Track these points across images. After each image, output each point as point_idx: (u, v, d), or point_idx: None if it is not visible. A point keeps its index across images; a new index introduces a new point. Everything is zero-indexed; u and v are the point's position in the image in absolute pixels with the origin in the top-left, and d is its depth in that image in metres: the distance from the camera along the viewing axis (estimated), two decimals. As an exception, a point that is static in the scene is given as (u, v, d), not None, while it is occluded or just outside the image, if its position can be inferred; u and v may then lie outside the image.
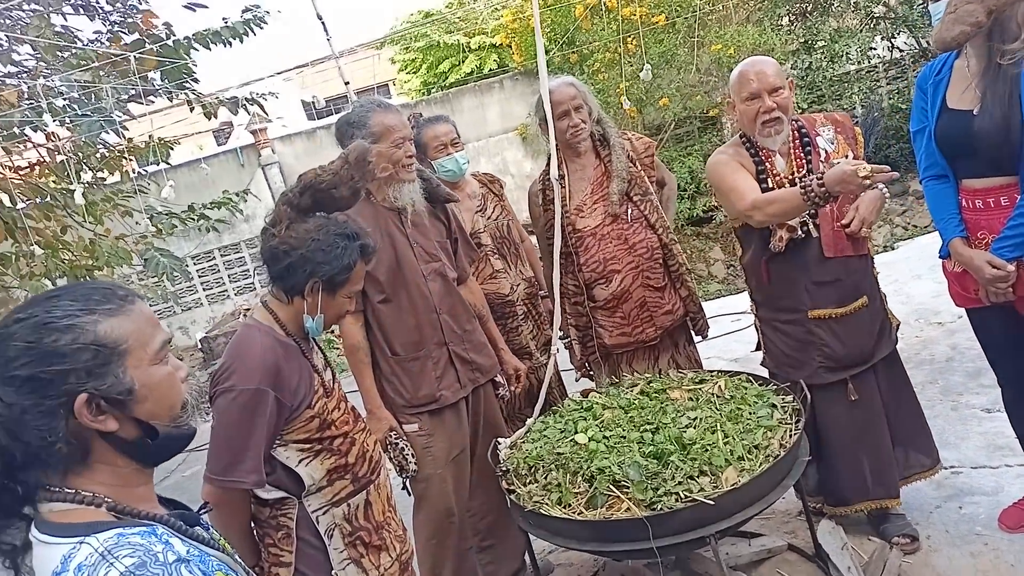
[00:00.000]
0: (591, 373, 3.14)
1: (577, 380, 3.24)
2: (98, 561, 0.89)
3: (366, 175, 1.91)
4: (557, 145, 2.82)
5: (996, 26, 2.10)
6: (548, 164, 2.94)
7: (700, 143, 11.30)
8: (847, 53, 10.92)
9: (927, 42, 10.87)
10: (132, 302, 1.03)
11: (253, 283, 13.24)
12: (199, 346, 11.12)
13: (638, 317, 2.89)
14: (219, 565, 0.99)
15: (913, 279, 5.79)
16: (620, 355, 2.98)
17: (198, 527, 1.04)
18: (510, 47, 13.46)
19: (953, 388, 3.84)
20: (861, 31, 11.18)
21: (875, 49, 11.50)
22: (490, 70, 14.89)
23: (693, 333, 3.07)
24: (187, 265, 12.02)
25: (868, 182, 2.02)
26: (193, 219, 7.38)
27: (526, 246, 3.43)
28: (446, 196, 2.77)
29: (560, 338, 3.07)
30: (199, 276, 12.85)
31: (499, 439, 2.57)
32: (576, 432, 2.37)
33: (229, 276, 13.33)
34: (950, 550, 2.60)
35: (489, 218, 3.26)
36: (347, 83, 7.90)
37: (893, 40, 11.51)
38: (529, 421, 2.69)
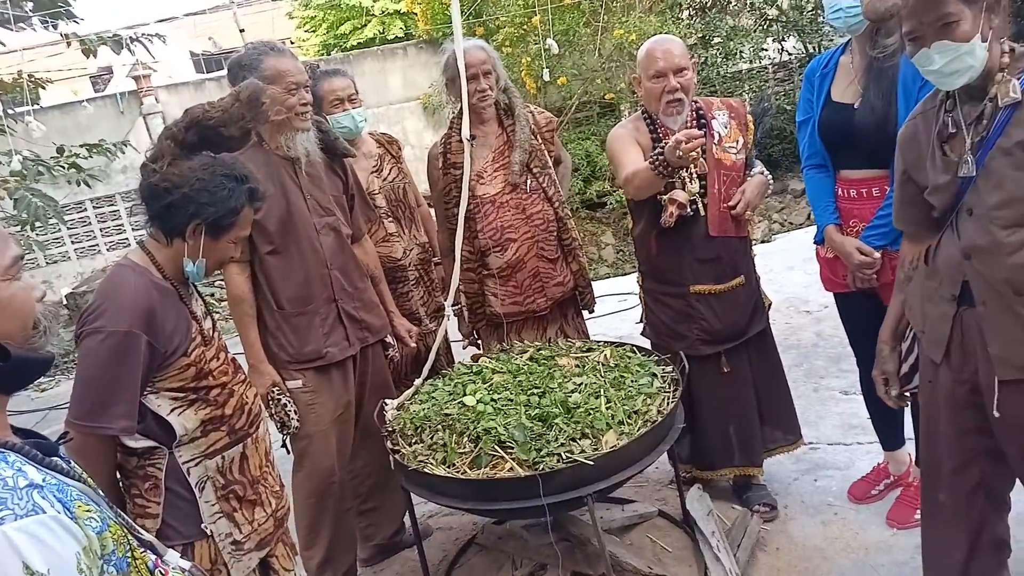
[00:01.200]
0: (479, 341, 3.16)
1: (464, 348, 3.25)
2: None
3: (258, 116, 1.82)
4: (460, 109, 2.79)
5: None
6: (450, 127, 2.91)
7: (598, 127, 11.50)
8: (741, 51, 11.35)
9: (814, 47, 11.48)
10: None
11: (128, 238, 12.48)
12: (64, 302, 10.40)
13: (530, 287, 2.93)
14: (79, 495, 0.93)
15: (786, 270, 6.14)
16: (510, 324, 3.01)
17: (56, 458, 0.97)
18: (415, 14, 13.19)
19: (816, 372, 4.12)
20: (755, 31, 11.66)
21: (766, 50, 12.01)
22: (394, 37, 14.56)
23: (581, 307, 3.13)
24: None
25: (692, 157, 2.18)
26: (63, 167, 6.82)
27: (422, 211, 3.39)
28: (344, 150, 2.69)
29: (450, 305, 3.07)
30: (68, 228, 11.96)
31: (386, 400, 2.55)
32: (464, 395, 2.38)
33: (101, 230, 12.51)
34: (804, 519, 2.80)
35: (385, 179, 3.20)
36: (242, 30, 7.52)
37: (783, 43, 12.08)
38: (417, 382, 2.68)
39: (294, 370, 2.54)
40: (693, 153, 2.17)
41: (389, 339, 2.84)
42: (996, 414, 1.73)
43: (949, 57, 1.58)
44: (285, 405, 2.50)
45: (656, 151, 2.28)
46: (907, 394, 2.08)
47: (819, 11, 11.41)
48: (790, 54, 12.34)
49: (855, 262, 2.42)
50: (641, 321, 2.91)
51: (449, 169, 2.90)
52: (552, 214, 2.92)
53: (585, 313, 3.16)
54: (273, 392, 2.48)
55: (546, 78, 9.05)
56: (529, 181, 2.89)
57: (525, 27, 10.32)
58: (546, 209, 2.91)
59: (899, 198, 1.95)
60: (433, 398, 2.47)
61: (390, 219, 3.16)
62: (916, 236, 1.95)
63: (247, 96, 1.75)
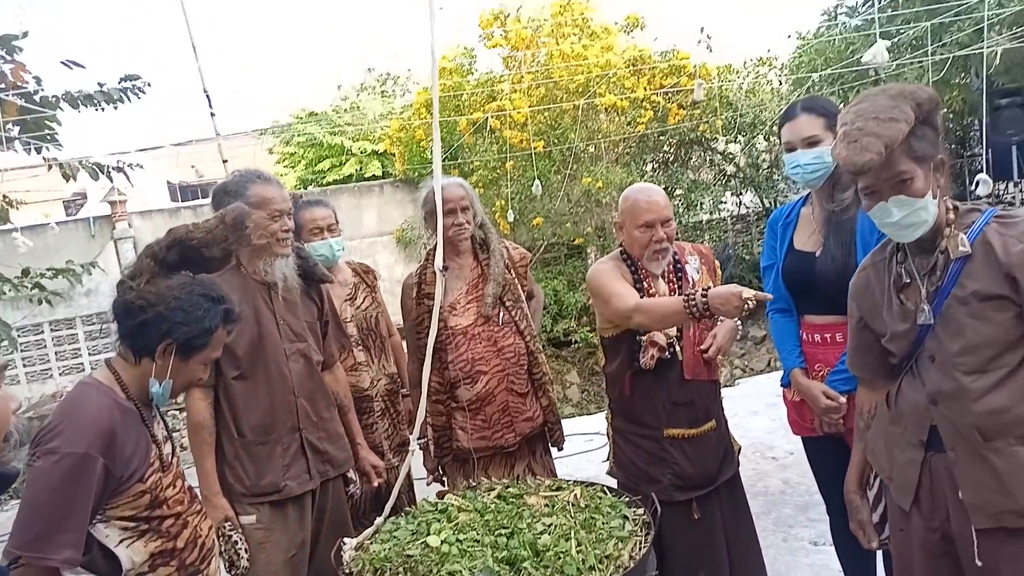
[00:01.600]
0: (443, 477, 3.06)
1: (428, 484, 3.15)
2: None
3: (241, 239, 1.84)
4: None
5: (834, 176, 2.39)
6: (427, 258, 2.96)
7: (565, 267, 11.80)
8: (701, 203, 11.93)
9: (770, 202, 12.11)
10: None
11: (83, 363, 12.14)
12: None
13: (499, 421, 2.88)
14: None
15: (751, 414, 6.15)
16: (477, 460, 2.94)
17: None
18: (393, 155, 13.73)
19: (784, 520, 4.04)
20: (714, 185, 12.32)
21: (725, 203, 12.65)
22: (371, 175, 15.07)
23: (550, 444, 3.08)
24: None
25: (748, 306, 2.12)
26: (26, 286, 6.72)
27: (393, 341, 3.38)
28: (322, 275, 2.71)
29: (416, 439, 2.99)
30: (21, 350, 11.62)
31: (344, 539, 2.42)
32: (428, 534, 2.27)
33: (57, 354, 12.17)
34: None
35: (358, 308, 3.21)
36: (226, 161, 7.70)
37: (740, 197, 12.74)
38: (378, 521, 2.56)
39: (249, 504, 2.43)
40: (751, 303, 2.13)
41: (351, 474, 2.74)
42: (979, 563, 1.70)
43: (907, 211, 1.70)
44: (236, 542, 2.37)
45: (700, 292, 2.22)
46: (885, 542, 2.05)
47: (774, 169, 12.17)
48: (747, 207, 13.00)
49: (821, 406, 2.44)
50: (608, 459, 2.85)
51: (423, 299, 2.93)
52: (523, 347, 2.93)
53: (553, 451, 3.11)
54: (224, 527, 2.35)
55: (509, 219, 9.37)
56: (501, 314, 2.92)
57: (498, 171, 10.78)
58: (517, 342, 2.93)
59: (855, 346, 2.01)
60: (395, 537, 2.35)
61: (360, 348, 3.15)
62: (872, 383, 2.00)
63: (232, 219, 1.78)
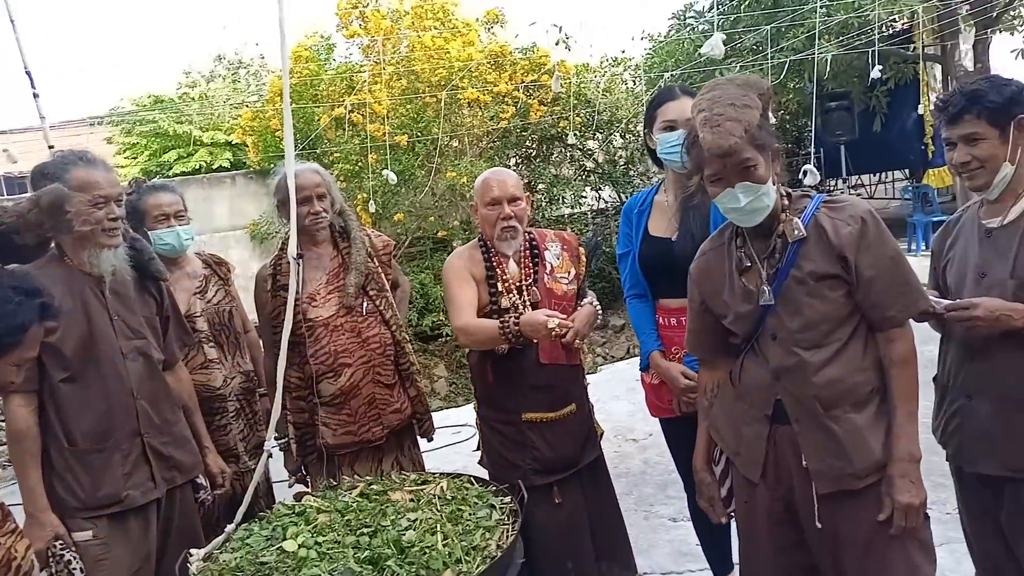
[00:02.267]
0: (307, 478, 2.93)
1: (291, 486, 3.00)
2: None
3: (59, 226, 1.65)
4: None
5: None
6: (281, 248, 2.81)
7: (432, 261, 11.72)
8: (563, 197, 12.20)
9: (627, 195, 12.57)
10: None
11: None
12: None
13: (366, 415, 2.78)
14: None
15: (612, 399, 6.34)
16: (342, 456, 2.82)
17: None
18: (246, 146, 13.10)
19: (646, 499, 4.18)
20: (575, 180, 12.64)
21: (585, 197, 13.00)
22: (219, 167, 14.31)
23: (418, 435, 3.02)
24: None
25: (555, 334, 2.24)
26: None
27: (249, 337, 3.19)
28: (156, 272, 2.49)
29: (275, 439, 2.84)
30: None
31: (191, 550, 2.24)
32: (284, 539, 2.15)
33: None
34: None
35: (209, 302, 3.00)
36: (51, 147, 7.01)
37: (600, 192, 13.15)
38: (229, 528, 2.39)
39: (84, 519, 2.20)
40: (558, 331, 2.24)
41: (201, 479, 2.56)
42: (819, 525, 1.82)
43: (752, 196, 1.79)
44: (69, 562, 2.14)
45: (512, 318, 2.35)
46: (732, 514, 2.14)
47: (630, 165, 12.64)
48: (606, 201, 13.43)
49: (680, 386, 2.52)
50: (478, 449, 2.83)
51: (279, 291, 2.77)
52: (389, 337, 2.85)
53: (423, 443, 3.04)
54: (55, 547, 2.12)
55: (371, 209, 9.18)
56: (365, 304, 2.82)
57: (360, 164, 10.52)
58: (383, 332, 2.84)
59: (696, 328, 2.11)
60: (247, 545, 2.20)
61: (211, 344, 2.95)
62: (713, 363, 2.10)
63: (48, 202, 1.59)
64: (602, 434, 2.87)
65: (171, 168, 14.50)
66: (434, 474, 2.53)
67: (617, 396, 6.42)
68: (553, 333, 2.23)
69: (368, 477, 2.57)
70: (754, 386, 1.94)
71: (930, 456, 2.18)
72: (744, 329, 1.94)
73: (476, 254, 2.66)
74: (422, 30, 11.23)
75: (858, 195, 15.35)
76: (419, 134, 11.00)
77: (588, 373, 8.88)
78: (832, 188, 14.12)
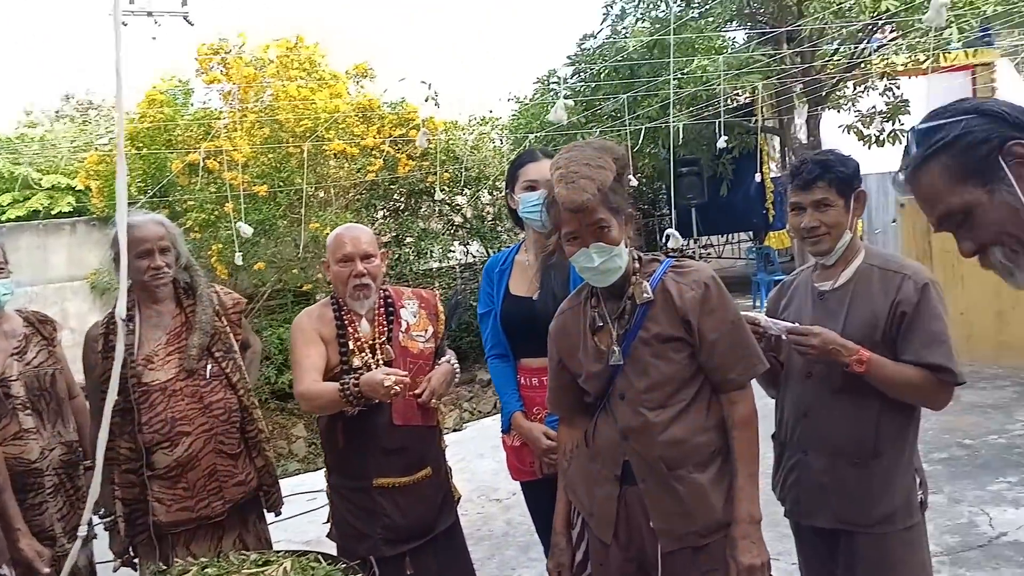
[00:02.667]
0: (135, 560, 2.64)
1: (115, 571, 2.70)
2: None
3: None
4: (132, 287, 2.50)
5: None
6: (115, 306, 2.58)
7: (292, 314, 11.29)
8: (431, 251, 12.21)
9: (494, 250, 12.76)
10: None
11: None
12: None
13: (205, 488, 2.56)
14: None
15: (477, 457, 6.26)
16: (177, 535, 2.57)
17: None
18: (90, 190, 12.24)
19: (508, 563, 4.11)
20: (443, 235, 12.69)
21: (453, 251, 13.08)
22: (58, 212, 13.27)
23: (265, 510, 2.80)
24: None
25: (395, 392, 2.17)
26: None
27: (75, 404, 2.89)
28: None
29: (101, 516, 2.56)
30: None
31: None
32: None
33: None
34: None
35: (28, 364, 2.71)
36: None
37: (468, 246, 13.26)
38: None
39: None
40: (395, 388, 2.16)
41: (5, 570, 2.25)
42: None
43: (605, 257, 1.83)
44: None
45: (352, 379, 2.27)
46: None
47: (498, 221, 12.85)
48: (474, 256, 13.57)
49: (542, 447, 2.49)
50: (328, 521, 2.66)
51: (110, 352, 2.53)
52: (235, 403, 2.65)
53: (271, 516, 2.83)
54: None
55: (238, 262, 8.78)
56: (210, 366, 2.62)
57: (216, 213, 10.06)
58: (228, 398, 2.64)
59: (554, 386, 2.12)
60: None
61: (28, 411, 2.65)
62: (572, 421, 2.10)
63: None
64: (459, 499, 2.78)
65: (3, 212, 13.30)
66: (278, 553, 2.35)
67: (482, 454, 6.34)
68: (392, 391, 2.15)
69: (203, 559, 2.35)
70: (605, 446, 1.96)
71: (778, 508, 2.26)
72: (596, 388, 1.97)
73: (327, 312, 2.56)
74: (287, 79, 11.02)
75: (707, 255, 16.41)
76: (281, 184, 10.69)
77: (454, 430, 8.79)
78: (685, 248, 14.96)
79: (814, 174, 2.09)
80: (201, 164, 9.44)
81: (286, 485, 3.77)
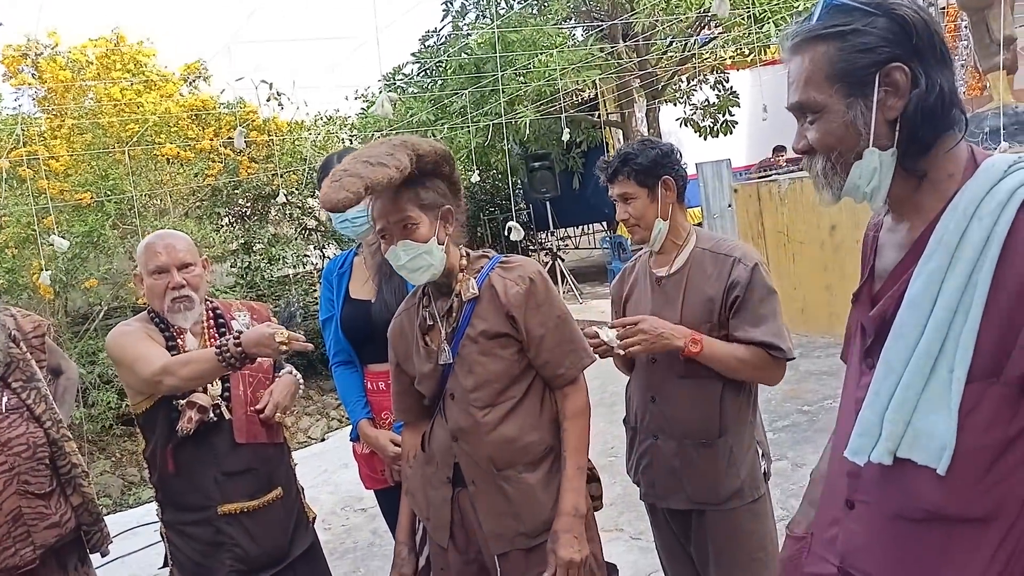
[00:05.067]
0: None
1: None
2: None
3: None
4: None
5: None
6: None
7: (132, 334, 10.50)
8: (284, 257, 11.73)
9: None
10: None
11: None
12: None
13: (10, 535, 2.26)
14: None
15: (341, 468, 6.05)
16: (-19, 590, 2.27)
17: None
18: None
19: (374, 574, 3.99)
20: (296, 239, 12.23)
21: (309, 256, 12.64)
22: None
23: (88, 550, 2.53)
24: None
25: (284, 348, 2.00)
26: None
27: None
28: None
29: None
30: None
31: None
32: None
33: None
34: None
35: None
36: None
37: (324, 250, 12.86)
38: None
39: None
40: (285, 347, 1.97)
41: None
42: None
43: (412, 254, 1.78)
44: None
45: (231, 340, 2.01)
46: None
47: (353, 223, 12.54)
48: (331, 259, 13.18)
49: (390, 454, 2.41)
50: (166, 564, 2.42)
51: None
52: (42, 437, 2.36)
53: (97, 557, 2.56)
54: None
55: (44, 281, 7.96)
56: (7, 398, 2.33)
57: (35, 228, 9.15)
58: (33, 432, 2.34)
59: (396, 390, 2.06)
60: None
61: None
62: (415, 425, 2.05)
63: None
64: (314, 518, 2.63)
65: None
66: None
67: (346, 464, 6.12)
68: (283, 346, 1.97)
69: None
70: (439, 449, 1.92)
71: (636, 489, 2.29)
72: (429, 389, 1.92)
73: (149, 326, 2.32)
74: (110, 81, 10.19)
75: (564, 246, 16.82)
76: (109, 192, 9.88)
77: (321, 440, 8.45)
78: (544, 240, 15.24)
79: (613, 168, 2.14)
80: (4, 174, 8.53)
81: (131, 517, 3.46)
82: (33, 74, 10.27)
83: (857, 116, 1.11)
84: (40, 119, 10.13)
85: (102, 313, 10.23)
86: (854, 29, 1.09)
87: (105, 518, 2.59)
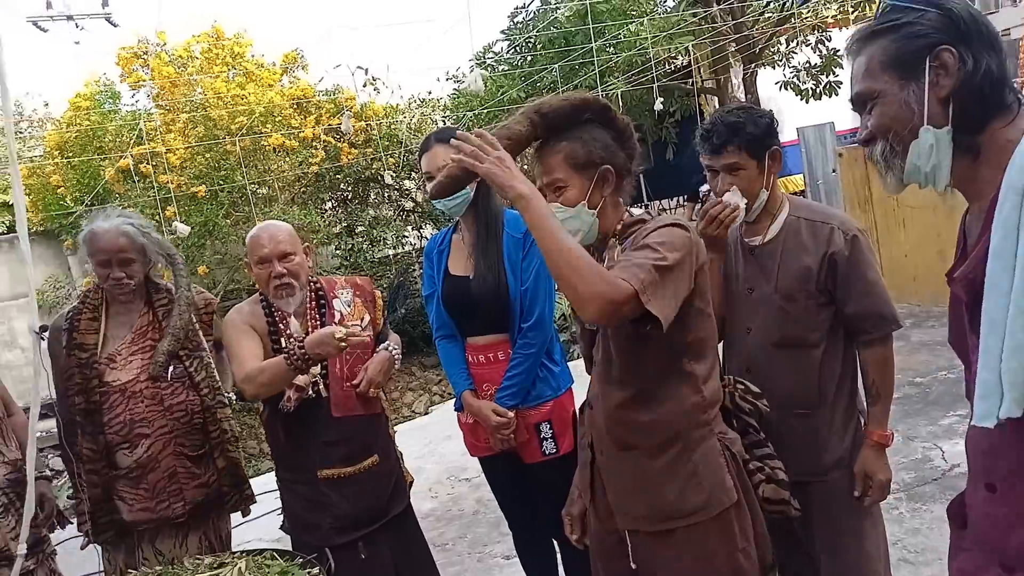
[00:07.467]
0: (108, 555, 2.61)
1: (83, 548, 2.67)
2: None
3: None
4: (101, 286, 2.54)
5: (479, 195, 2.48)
6: (82, 301, 2.58)
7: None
8: (384, 239, 12.07)
9: (447, 234, 12.72)
10: None
11: None
12: None
13: (165, 490, 2.53)
14: None
15: (445, 439, 6.25)
16: (142, 532, 2.54)
17: None
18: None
19: (479, 540, 4.13)
20: (395, 221, 12.56)
21: (407, 237, 12.96)
22: (-3, 229, 12.83)
23: (230, 509, 2.76)
24: None
25: (344, 344, 2.15)
26: None
27: (14, 422, 2.82)
28: None
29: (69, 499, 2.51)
30: None
31: None
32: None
33: None
34: None
35: (-40, 388, 2.62)
36: None
37: (421, 230, 13.16)
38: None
39: None
40: (344, 344, 2.13)
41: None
42: (633, 565, 1.78)
43: (562, 217, 1.69)
44: None
45: (296, 343, 2.21)
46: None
47: (448, 203, 12.77)
48: (428, 240, 13.48)
49: (493, 424, 2.50)
50: (281, 514, 2.64)
51: (73, 349, 2.49)
52: (198, 403, 2.60)
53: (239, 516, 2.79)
54: None
55: (184, 232, 8.60)
56: (173, 367, 2.57)
57: (157, 218, 9.81)
58: (191, 398, 2.59)
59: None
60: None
61: (-35, 435, 2.56)
62: None
63: None
64: (411, 483, 2.77)
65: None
66: (234, 554, 2.32)
67: (449, 436, 6.33)
68: (342, 343, 2.14)
69: (158, 568, 2.32)
70: (588, 409, 1.92)
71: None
72: (584, 350, 1.99)
73: (257, 309, 2.55)
74: (212, 75, 10.73)
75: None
76: (221, 183, 10.46)
77: (426, 413, 8.71)
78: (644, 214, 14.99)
79: (723, 138, 2.05)
80: (131, 168, 9.17)
81: (260, 483, 3.72)
82: (146, 72, 10.91)
83: (910, 96, 1.16)
84: (155, 115, 10.77)
85: (220, 295, 10.89)
86: (906, 22, 1.17)
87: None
